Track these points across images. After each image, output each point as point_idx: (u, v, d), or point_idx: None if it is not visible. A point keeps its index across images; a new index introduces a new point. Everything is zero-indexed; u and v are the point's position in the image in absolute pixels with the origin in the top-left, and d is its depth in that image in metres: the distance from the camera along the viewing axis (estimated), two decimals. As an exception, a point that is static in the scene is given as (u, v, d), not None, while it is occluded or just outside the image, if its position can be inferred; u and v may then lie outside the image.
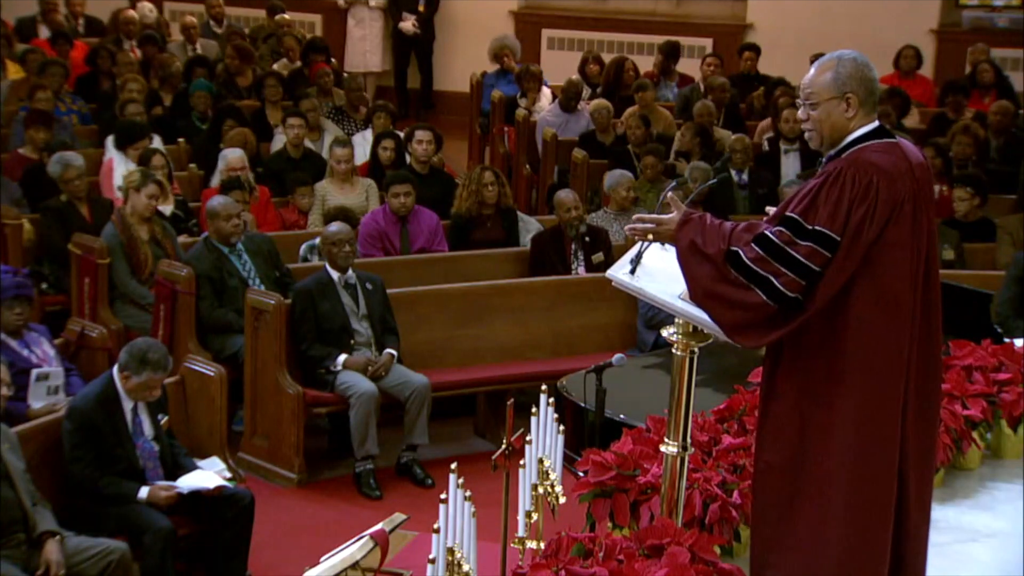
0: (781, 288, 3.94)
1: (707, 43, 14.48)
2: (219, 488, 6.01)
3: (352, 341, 7.55)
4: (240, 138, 9.97)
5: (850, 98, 4.07)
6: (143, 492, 5.90)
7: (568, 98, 11.83)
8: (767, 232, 3.98)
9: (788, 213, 4.00)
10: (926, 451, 4.24)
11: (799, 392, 4.08)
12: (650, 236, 4.16)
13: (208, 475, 6.13)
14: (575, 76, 12.27)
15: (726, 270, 3.97)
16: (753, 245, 3.97)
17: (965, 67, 13.44)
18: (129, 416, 6.03)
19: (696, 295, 4.08)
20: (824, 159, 4.23)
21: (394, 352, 7.58)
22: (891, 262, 4.02)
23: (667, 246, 4.40)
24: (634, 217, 4.21)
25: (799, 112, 4.19)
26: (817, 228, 3.94)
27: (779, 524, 4.14)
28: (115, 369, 6.06)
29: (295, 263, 8.41)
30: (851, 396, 4.03)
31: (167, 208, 8.88)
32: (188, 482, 6.02)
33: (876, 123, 4.12)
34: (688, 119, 11.42)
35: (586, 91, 12.55)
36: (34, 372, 6.62)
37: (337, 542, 4.65)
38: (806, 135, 4.21)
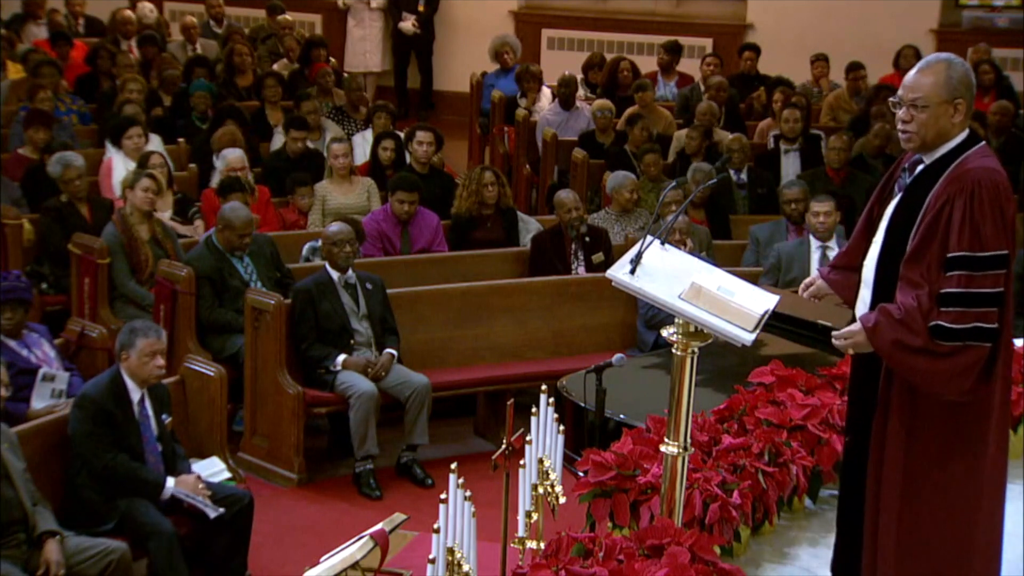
0: (991, 326, 3.90)
1: (707, 43, 14.48)
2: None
3: (352, 341, 7.54)
4: (229, 137, 9.86)
5: (959, 103, 3.98)
6: (170, 482, 5.90)
7: (565, 94, 11.80)
8: (947, 290, 3.89)
9: (954, 254, 3.89)
10: None
11: (952, 408, 4.04)
12: (850, 351, 4.11)
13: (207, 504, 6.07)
14: (567, 72, 12.22)
15: (937, 347, 3.89)
16: (944, 309, 3.89)
17: (965, 67, 13.42)
18: (136, 409, 6.01)
19: (921, 383, 3.99)
20: (908, 163, 4.13)
21: (394, 352, 7.57)
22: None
23: (669, 247, 4.42)
24: (833, 336, 4.13)
25: (900, 112, 4.05)
26: (989, 254, 3.88)
27: (918, 527, 4.12)
28: (119, 361, 6.05)
29: (295, 263, 8.41)
30: (995, 400, 4.05)
31: (166, 214, 8.88)
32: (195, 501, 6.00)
33: (969, 129, 4.04)
34: (688, 119, 11.41)
35: (586, 91, 12.55)
36: (42, 371, 6.59)
37: (337, 542, 4.65)
38: (902, 136, 4.08)
